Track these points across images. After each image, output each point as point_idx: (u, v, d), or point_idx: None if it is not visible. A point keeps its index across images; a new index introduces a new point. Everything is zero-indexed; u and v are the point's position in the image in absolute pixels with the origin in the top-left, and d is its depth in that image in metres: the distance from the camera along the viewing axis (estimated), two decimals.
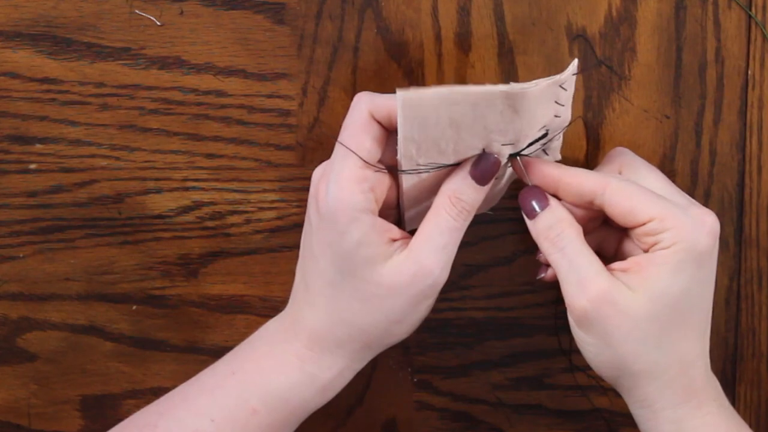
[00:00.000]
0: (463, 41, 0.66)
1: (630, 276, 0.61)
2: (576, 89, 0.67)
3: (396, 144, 0.60)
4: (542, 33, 0.66)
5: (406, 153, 0.60)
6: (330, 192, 0.60)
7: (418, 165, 0.61)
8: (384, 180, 0.62)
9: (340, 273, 0.61)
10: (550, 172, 0.62)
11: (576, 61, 0.60)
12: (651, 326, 0.60)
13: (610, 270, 0.61)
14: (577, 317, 0.61)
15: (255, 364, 0.63)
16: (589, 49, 0.67)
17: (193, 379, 0.64)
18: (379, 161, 0.61)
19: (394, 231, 0.62)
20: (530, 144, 0.61)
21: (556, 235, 0.61)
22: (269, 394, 0.62)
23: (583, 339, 0.62)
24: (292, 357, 0.63)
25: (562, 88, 0.60)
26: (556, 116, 0.62)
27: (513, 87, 0.57)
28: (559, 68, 0.67)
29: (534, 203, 0.62)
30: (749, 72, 0.67)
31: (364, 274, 0.61)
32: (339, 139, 0.61)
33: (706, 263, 0.61)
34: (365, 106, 0.60)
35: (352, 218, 0.60)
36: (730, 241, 0.69)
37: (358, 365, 0.64)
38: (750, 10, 0.66)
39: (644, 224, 0.60)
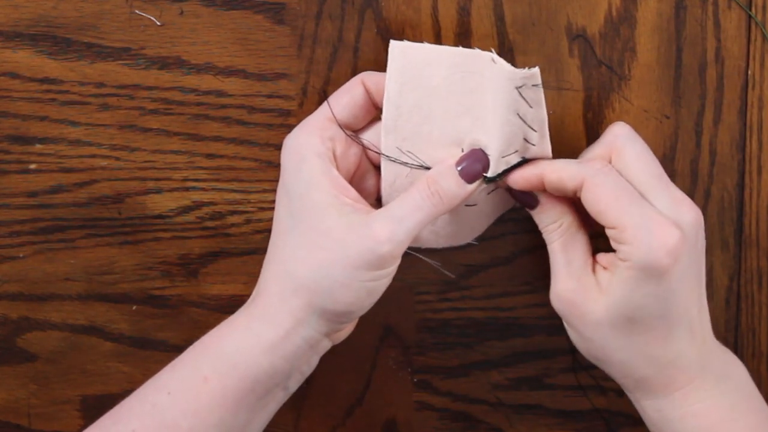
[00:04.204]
0: (463, 41, 0.66)
1: (605, 274, 0.62)
2: (576, 89, 0.67)
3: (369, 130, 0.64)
4: (542, 33, 0.66)
5: (387, 120, 0.63)
6: (291, 133, 0.64)
7: (398, 149, 0.63)
8: (352, 147, 0.64)
9: (294, 219, 0.62)
10: (532, 172, 0.62)
11: (537, 69, 0.59)
12: (611, 331, 0.61)
13: (596, 261, 0.63)
14: (555, 308, 0.63)
15: (210, 335, 0.63)
16: (589, 49, 0.67)
17: None
18: (365, 152, 0.65)
19: (352, 193, 0.62)
20: (505, 171, 0.62)
21: (547, 231, 0.64)
22: (219, 360, 0.61)
23: (565, 326, 0.65)
24: (243, 318, 0.62)
25: (524, 99, 0.60)
26: (526, 140, 0.61)
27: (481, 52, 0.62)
28: (560, 68, 0.67)
29: (528, 200, 0.64)
30: (749, 72, 0.67)
31: (313, 220, 0.61)
32: None
33: (666, 279, 0.60)
34: (360, 74, 0.64)
35: (304, 157, 0.62)
36: (730, 241, 0.69)
37: (307, 331, 0.62)
38: (750, 10, 0.66)
39: (611, 228, 0.61)
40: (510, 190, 0.64)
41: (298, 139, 0.63)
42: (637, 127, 0.67)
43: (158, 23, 0.66)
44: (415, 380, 0.71)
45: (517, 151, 0.62)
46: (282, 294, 0.61)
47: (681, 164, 0.68)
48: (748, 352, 0.71)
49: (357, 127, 0.65)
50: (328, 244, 0.60)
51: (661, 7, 0.66)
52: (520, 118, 0.60)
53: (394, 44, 0.62)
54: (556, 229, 0.63)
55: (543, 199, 0.63)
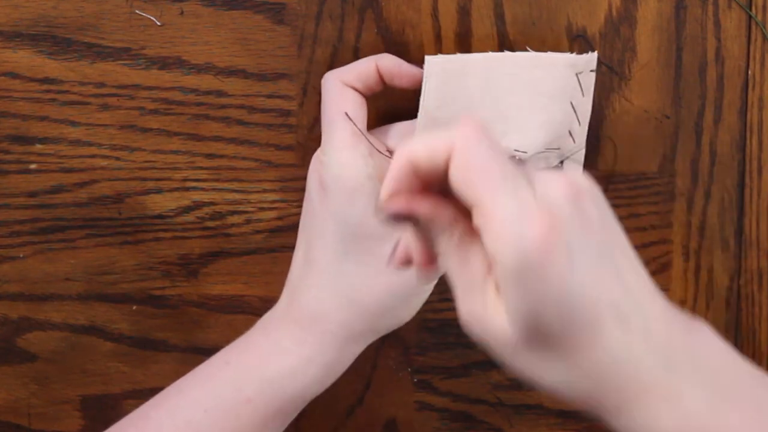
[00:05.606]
0: (463, 41, 0.66)
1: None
2: None
3: (393, 137, 0.63)
4: (542, 33, 0.66)
5: (422, 132, 0.62)
6: (331, 160, 0.61)
7: None
8: (384, 160, 0.62)
9: (347, 246, 0.61)
10: (398, 161, 0.48)
11: (596, 54, 0.61)
12: (529, 353, 0.48)
13: None
14: (469, 334, 0.50)
15: (249, 354, 0.62)
16: (589, 49, 0.67)
17: (189, 373, 0.64)
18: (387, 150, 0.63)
19: None
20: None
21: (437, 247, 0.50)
22: (264, 382, 0.61)
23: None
24: (289, 342, 0.62)
25: (580, 86, 0.61)
26: (570, 133, 0.62)
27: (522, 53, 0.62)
28: None
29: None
30: (749, 72, 0.67)
31: (373, 247, 0.60)
32: (322, 118, 0.62)
33: (550, 274, 0.46)
34: (332, 77, 0.63)
35: (355, 185, 0.60)
36: (730, 241, 0.69)
37: (358, 349, 0.63)
38: (750, 10, 0.66)
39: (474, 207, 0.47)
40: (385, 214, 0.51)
41: (343, 167, 0.61)
42: (637, 127, 0.67)
43: (158, 23, 0.66)
44: (416, 380, 0.71)
45: (558, 149, 0.62)
46: (344, 321, 0.62)
47: (681, 164, 0.68)
48: (748, 353, 0.71)
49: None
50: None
51: (661, 7, 0.66)
52: (572, 107, 0.61)
53: (430, 60, 0.61)
54: (448, 243, 0.49)
55: (424, 208, 0.48)
